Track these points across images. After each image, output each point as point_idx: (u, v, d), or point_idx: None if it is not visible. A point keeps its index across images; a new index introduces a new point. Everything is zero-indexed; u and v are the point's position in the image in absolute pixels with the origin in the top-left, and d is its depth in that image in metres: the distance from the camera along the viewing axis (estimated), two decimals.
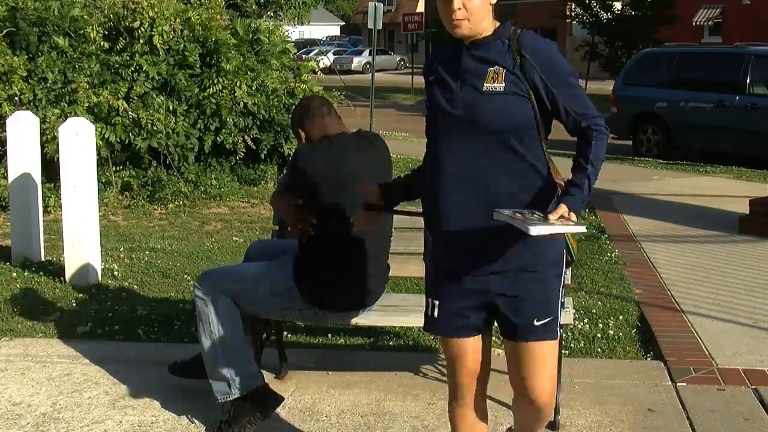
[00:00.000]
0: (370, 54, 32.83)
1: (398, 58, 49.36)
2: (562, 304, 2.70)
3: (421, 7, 45.05)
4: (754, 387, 4.02)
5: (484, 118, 2.50)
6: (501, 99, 2.50)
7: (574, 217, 2.43)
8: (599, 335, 4.72)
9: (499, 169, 2.52)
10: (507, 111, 2.50)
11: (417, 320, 3.82)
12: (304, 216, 3.48)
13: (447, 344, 2.74)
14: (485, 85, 2.51)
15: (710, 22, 33.82)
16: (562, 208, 2.42)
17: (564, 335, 4.15)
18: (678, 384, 4.06)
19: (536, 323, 2.59)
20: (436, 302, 2.68)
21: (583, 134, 2.57)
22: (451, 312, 2.65)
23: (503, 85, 2.51)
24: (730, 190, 9.55)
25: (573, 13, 30.89)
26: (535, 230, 2.28)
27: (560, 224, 2.37)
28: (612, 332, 4.76)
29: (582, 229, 2.39)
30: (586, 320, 4.92)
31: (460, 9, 2.50)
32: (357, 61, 44.81)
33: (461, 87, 2.56)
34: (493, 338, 4.67)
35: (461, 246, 2.59)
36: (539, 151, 2.57)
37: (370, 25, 17.44)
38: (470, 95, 2.53)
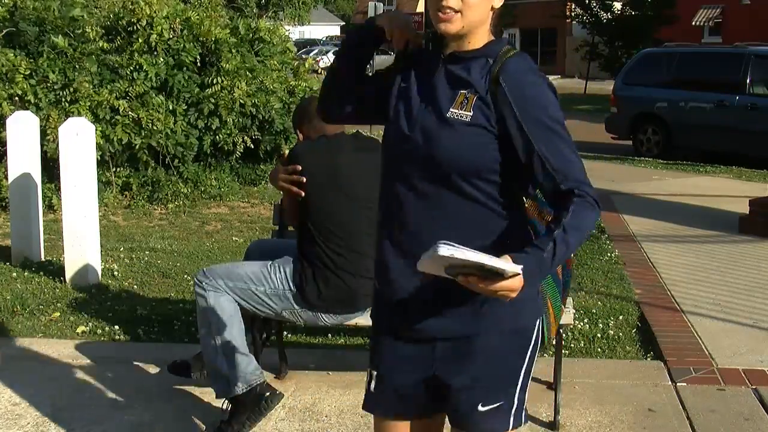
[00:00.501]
0: None
1: None
2: (524, 388, 2.13)
3: (421, 7, 45.04)
4: (754, 387, 4.03)
5: (439, 150, 1.99)
6: (464, 131, 1.98)
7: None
8: (599, 335, 4.72)
9: (451, 221, 2.02)
10: (468, 147, 1.98)
11: None
12: (293, 178, 3.46)
13: (381, 428, 2.25)
14: (451, 110, 2.00)
15: (710, 22, 33.85)
16: (506, 260, 1.85)
17: (564, 335, 4.15)
18: (678, 384, 4.06)
19: (481, 408, 2.07)
20: (374, 372, 2.21)
21: (561, 200, 1.96)
22: (390, 386, 2.18)
23: (471, 113, 1.99)
24: (730, 190, 9.55)
25: (573, 13, 30.95)
26: (446, 249, 1.76)
27: (500, 261, 1.80)
28: (612, 332, 4.76)
29: (516, 268, 1.80)
30: (586, 320, 4.92)
31: None
32: None
33: (425, 107, 2.06)
34: None
35: (401, 303, 2.10)
36: (510, 197, 2.05)
37: None
38: (430, 119, 2.03)
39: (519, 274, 1.80)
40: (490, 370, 2.07)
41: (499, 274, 1.79)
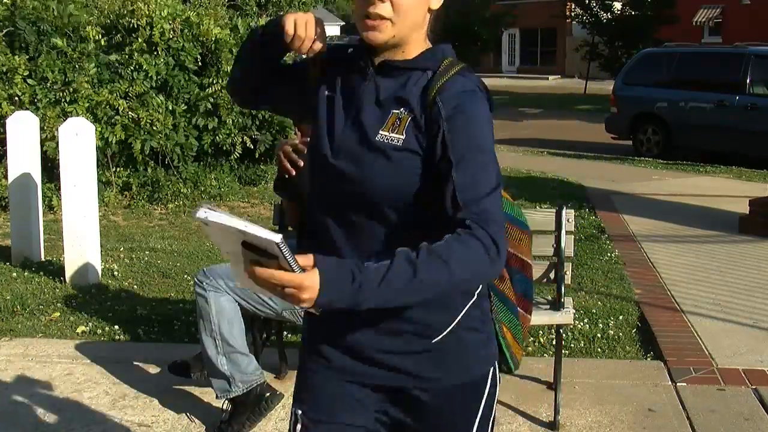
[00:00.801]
0: None
1: None
2: None
3: None
4: (754, 387, 4.03)
5: (367, 179, 1.71)
6: (395, 157, 1.70)
7: (297, 270, 1.50)
8: (599, 335, 4.72)
9: (380, 252, 1.69)
10: (400, 174, 1.70)
11: None
12: (292, 156, 3.40)
13: None
14: (380, 133, 1.71)
15: (710, 22, 33.87)
16: (307, 259, 1.53)
17: (564, 335, 4.15)
18: (678, 384, 4.06)
19: None
20: (299, 412, 1.88)
21: (451, 231, 1.62)
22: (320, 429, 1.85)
23: (403, 137, 1.70)
24: (730, 190, 9.55)
25: (573, 13, 30.93)
26: (201, 212, 1.51)
27: (260, 228, 1.48)
28: (612, 332, 4.76)
29: (276, 237, 1.46)
30: (586, 320, 4.92)
31: (383, 1, 1.69)
32: None
33: (350, 127, 1.76)
34: None
35: (333, 336, 1.83)
36: (447, 226, 1.68)
37: None
38: (356, 143, 1.74)
39: (276, 243, 1.46)
40: (442, 428, 1.83)
41: (274, 257, 1.49)
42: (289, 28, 1.74)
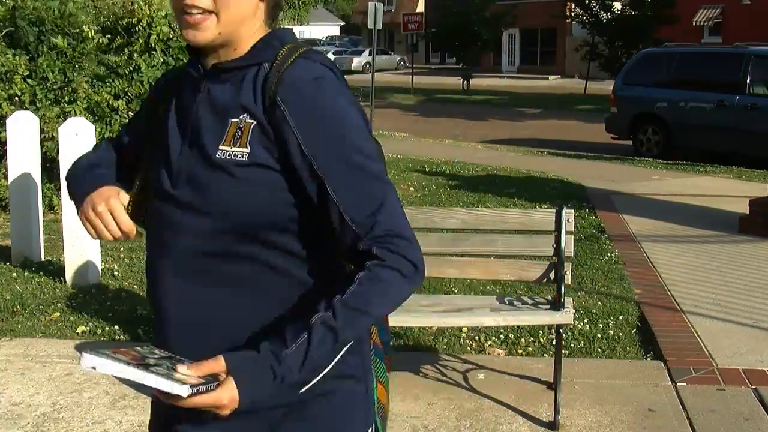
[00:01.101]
0: (370, 54, 32.86)
1: (398, 58, 49.38)
2: None
3: (421, 7, 45.09)
4: (754, 387, 4.03)
5: (212, 206, 1.42)
6: (242, 175, 1.41)
7: (211, 388, 1.33)
8: (599, 335, 4.72)
9: (242, 305, 1.45)
10: (251, 196, 1.41)
11: (417, 320, 3.84)
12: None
13: None
14: (220, 148, 1.42)
15: (710, 22, 33.87)
16: (217, 365, 1.35)
17: (564, 335, 4.15)
18: (678, 384, 4.06)
19: None
20: None
21: (358, 265, 1.41)
22: None
23: (247, 150, 1.41)
24: (730, 190, 9.55)
25: (573, 13, 30.97)
26: (87, 359, 1.32)
27: (160, 379, 1.30)
28: (612, 332, 4.76)
29: (181, 390, 1.28)
30: (586, 320, 4.93)
31: None
32: (357, 61, 44.79)
33: (188, 148, 1.47)
34: (493, 338, 4.68)
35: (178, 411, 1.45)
36: (329, 259, 1.48)
37: (370, 25, 17.41)
38: (196, 165, 1.45)
39: (182, 397, 1.28)
40: None
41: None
42: (87, 230, 1.55)
